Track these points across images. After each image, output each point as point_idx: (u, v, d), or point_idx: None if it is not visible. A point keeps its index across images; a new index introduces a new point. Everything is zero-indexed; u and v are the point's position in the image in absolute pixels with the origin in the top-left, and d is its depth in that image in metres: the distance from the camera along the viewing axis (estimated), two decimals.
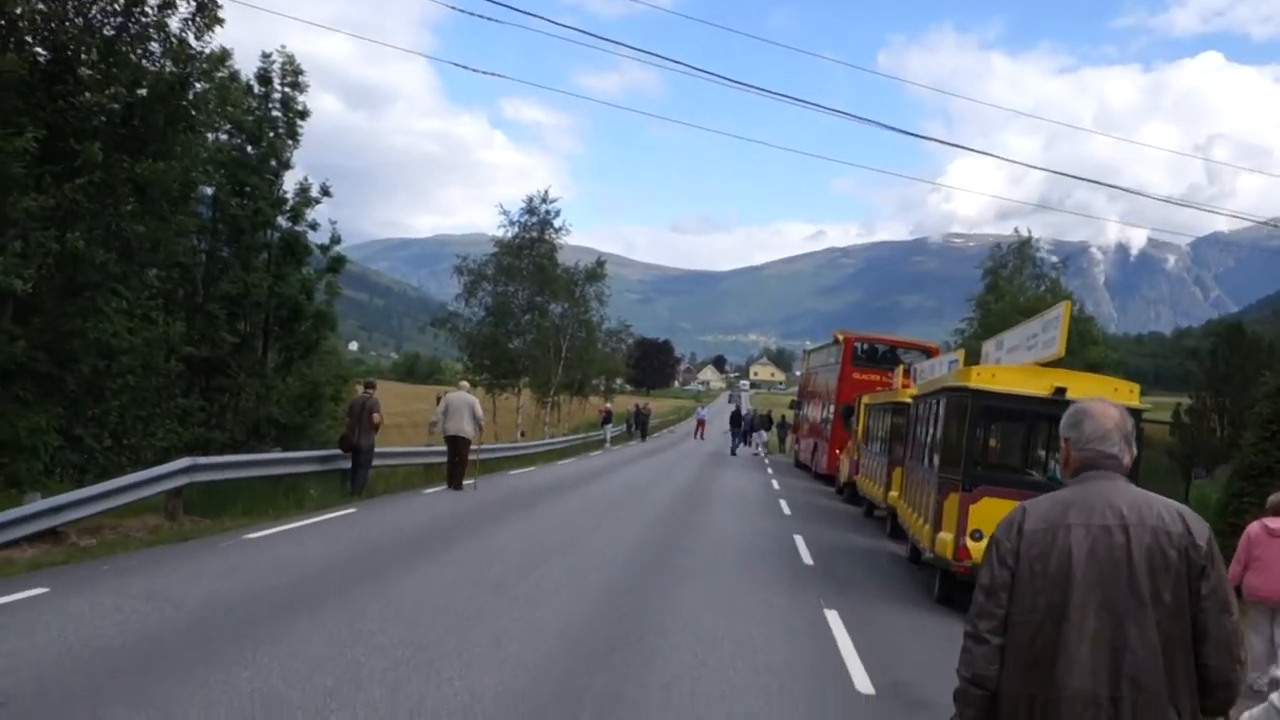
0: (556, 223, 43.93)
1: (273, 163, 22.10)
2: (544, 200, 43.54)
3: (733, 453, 42.50)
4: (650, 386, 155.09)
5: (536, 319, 44.77)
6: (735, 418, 46.80)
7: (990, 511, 10.69)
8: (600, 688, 6.59)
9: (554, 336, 47.16)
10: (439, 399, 19.27)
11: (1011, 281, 45.67)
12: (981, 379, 11.08)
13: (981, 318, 43.71)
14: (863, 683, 7.43)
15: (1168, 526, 2.81)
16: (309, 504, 14.44)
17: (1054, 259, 49.52)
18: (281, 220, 22.49)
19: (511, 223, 43.38)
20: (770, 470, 33.99)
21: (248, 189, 21.07)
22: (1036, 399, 10.88)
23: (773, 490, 25.67)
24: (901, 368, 24.29)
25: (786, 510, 20.50)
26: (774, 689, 7.06)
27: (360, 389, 17.52)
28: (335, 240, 23.86)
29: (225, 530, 11.68)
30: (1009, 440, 13.48)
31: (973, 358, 17.62)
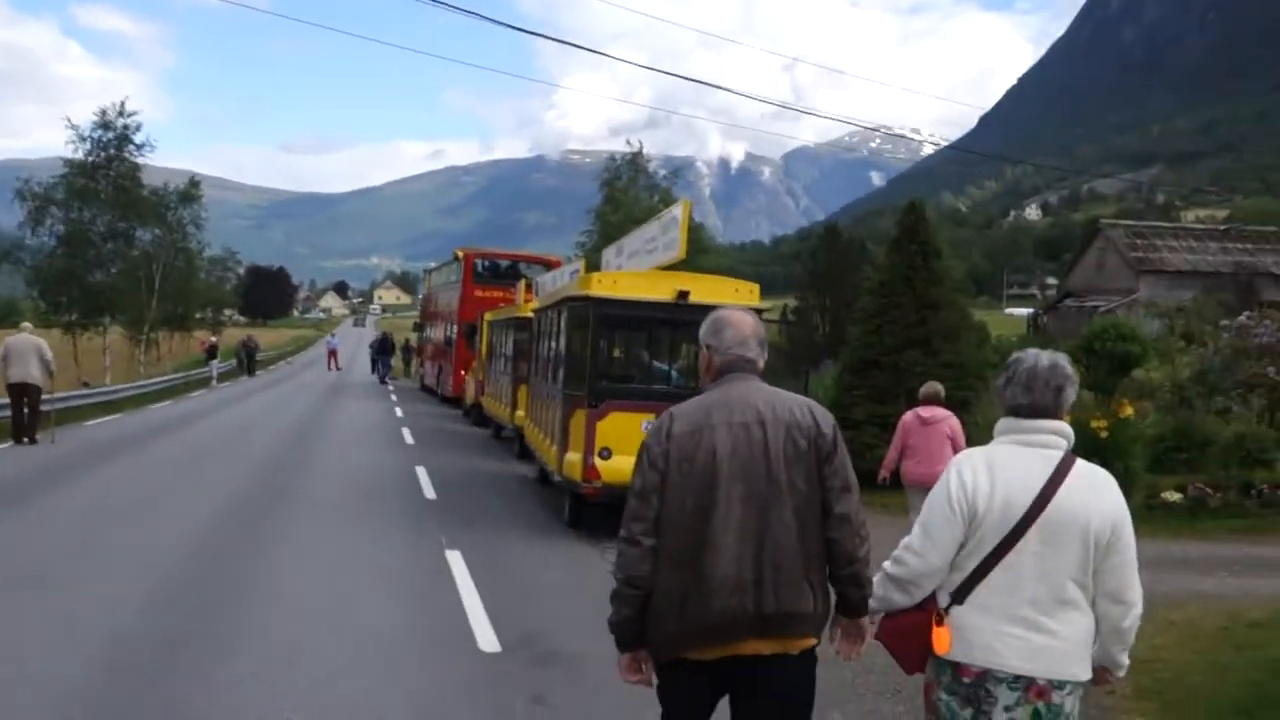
0: (138, 138, 38.90)
1: None
2: (121, 113, 38.35)
3: (383, 381, 40.29)
4: (266, 316, 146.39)
5: (122, 248, 39.78)
6: (381, 344, 44.09)
7: (619, 427, 10.05)
8: (149, 705, 5.11)
9: (145, 267, 42.33)
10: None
11: (627, 193, 46.43)
12: (603, 286, 10.31)
13: (600, 229, 44.08)
14: (487, 639, 6.45)
15: (798, 420, 3.03)
16: None
17: (663, 173, 50.91)
18: None
19: (82, 139, 37.91)
20: (394, 397, 32.42)
21: None
22: (660, 304, 10.28)
23: (395, 418, 24.27)
24: (524, 282, 23.57)
25: (409, 439, 19.22)
26: (383, 661, 5.91)
27: None
28: None
29: None
30: (633, 349, 12.96)
31: (594, 268, 17.06)
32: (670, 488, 2.96)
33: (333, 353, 55.60)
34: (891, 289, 14.34)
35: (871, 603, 3.09)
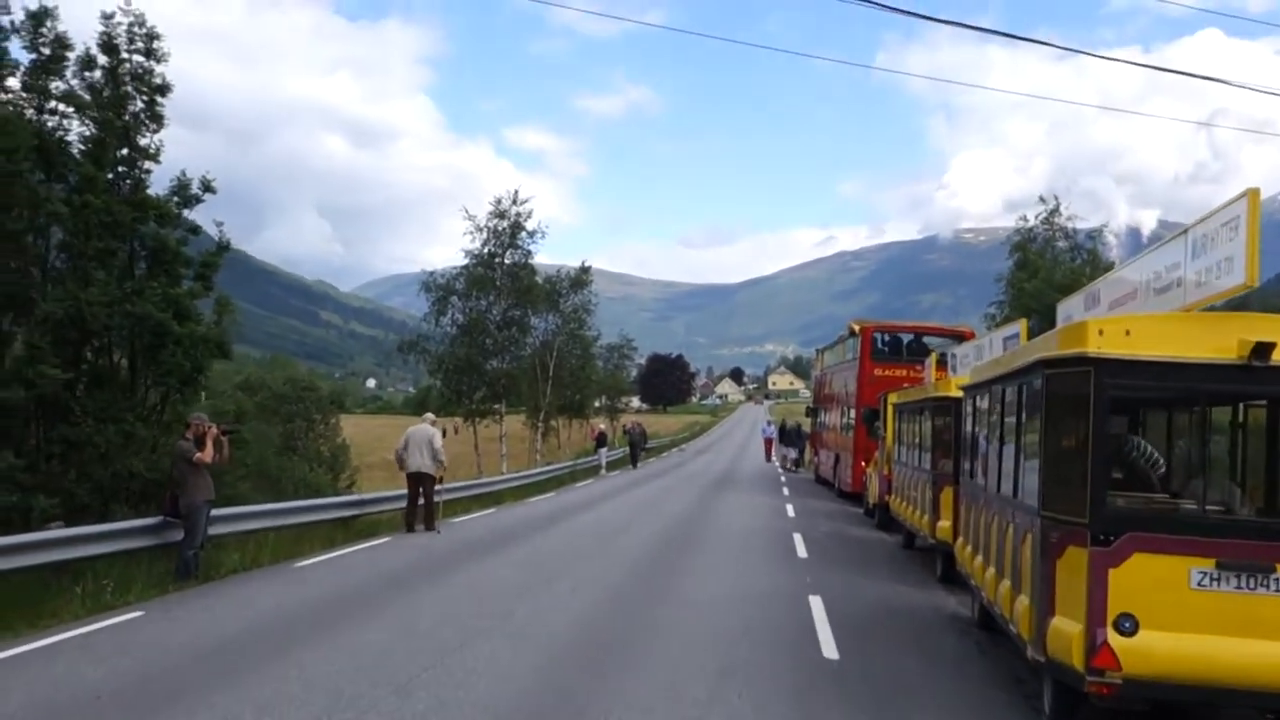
0: (529, 225, 39.02)
1: (123, 151, 17.48)
2: (514, 201, 38.68)
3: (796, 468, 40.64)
4: (666, 403, 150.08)
5: (516, 335, 39.92)
6: (784, 433, 44.38)
7: (1151, 580, 5.89)
8: None
9: (540, 354, 42.50)
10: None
11: (1043, 255, 40.68)
12: (1109, 340, 6.18)
13: (1013, 298, 38.73)
14: None
15: None
16: (74, 607, 9.62)
17: (1062, 244, 43.28)
18: (155, 225, 17.85)
19: (479, 229, 38.53)
20: (786, 491, 29.03)
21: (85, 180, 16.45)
22: (1217, 367, 6.02)
23: (786, 519, 20.73)
24: (933, 357, 19.55)
25: (801, 551, 15.56)
26: None
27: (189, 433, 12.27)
28: (224, 247, 19.05)
29: None
30: (1169, 445, 8.52)
31: (1032, 333, 12.72)
32: None
33: (769, 441, 49.72)
34: None
35: None
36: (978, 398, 10.22)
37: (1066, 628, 6.18)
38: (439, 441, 17.04)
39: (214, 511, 12.46)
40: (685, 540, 16.61)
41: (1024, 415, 7.60)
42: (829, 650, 8.78)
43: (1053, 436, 6.71)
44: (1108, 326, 6.29)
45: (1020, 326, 12.73)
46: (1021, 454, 7.62)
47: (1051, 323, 16.24)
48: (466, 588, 11.32)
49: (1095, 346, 6.18)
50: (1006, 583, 7.87)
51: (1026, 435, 7.48)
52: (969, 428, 10.81)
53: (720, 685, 7.41)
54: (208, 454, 11.67)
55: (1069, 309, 10.95)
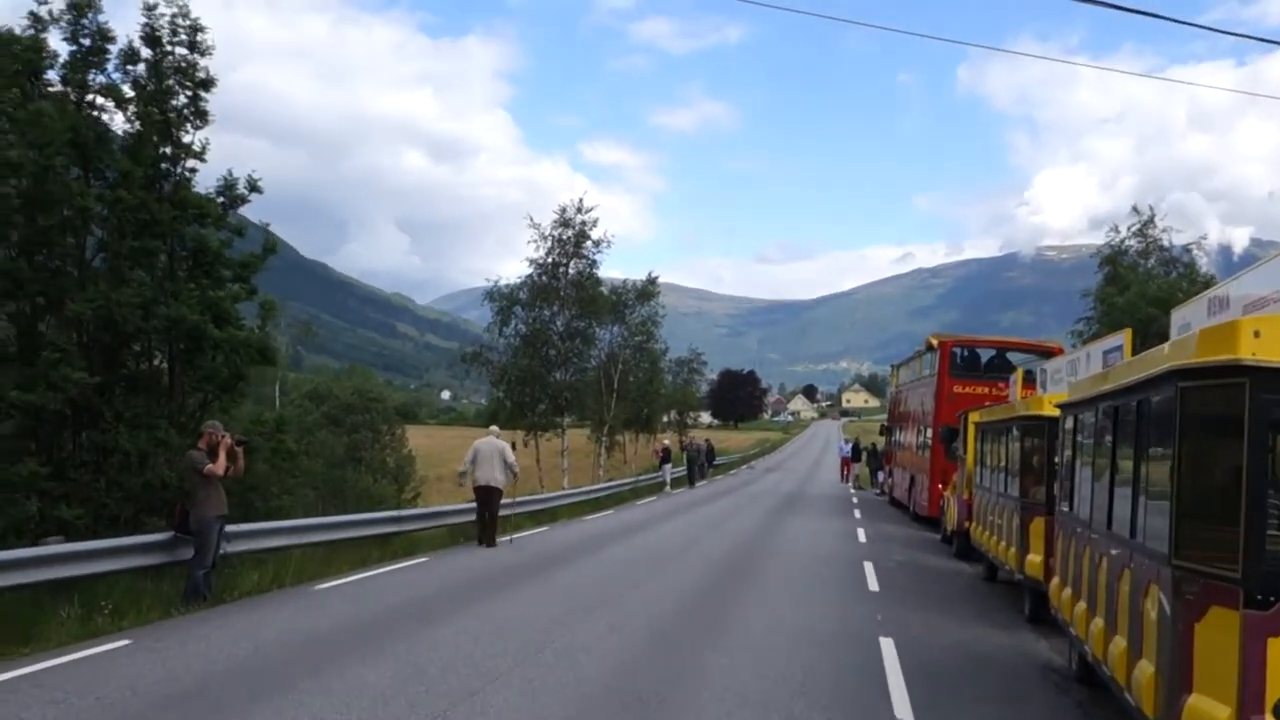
0: (594, 234, 37.97)
1: (166, 150, 16.74)
2: (579, 209, 37.68)
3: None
4: (737, 419, 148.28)
5: (579, 347, 38.87)
6: (862, 452, 44.13)
7: None
8: None
9: (606, 366, 41.47)
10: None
11: (1135, 269, 38.64)
12: (1269, 344, 4.84)
13: (1103, 314, 36.77)
14: None
15: None
16: (59, 633, 8.70)
17: (1151, 262, 40.34)
18: (198, 226, 17.11)
19: (544, 237, 37.58)
20: (858, 514, 27.49)
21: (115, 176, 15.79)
22: None
23: (857, 545, 19.29)
24: (1019, 373, 18.13)
25: (873, 583, 14.18)
26: None
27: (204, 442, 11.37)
28: (270, 249, 18.27)
29: None
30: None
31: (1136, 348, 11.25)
32: None
33: (845, 462, 46.63)
34: None
35: None
36: (1079, 416, 8.85)
37: (1209, 709, 4.83)
38: (511, 455, 17.02)
39: (232, 527, 11.58)
40: (744, 568, 15.32)
41: (1146, 438, 6.26)
42: (901, 709, 7.47)
43: (1189, 465, 5.36)
44: (1266, 327, 4.94)
45: (1124, 337, 11.28)
46: (1142, 485, 6.27)
47: (1148, 340, 14.67)
48: (493, 620, 10.17)
49: (1250, 352, 4.85)
50: (1120, 640, 6.50)
51: (1150, 463, 6.13)
52: (1068, 451, 9.43)
53: None
54: (220, 465, 10.77)
55: (1185, 317, 9.48)
